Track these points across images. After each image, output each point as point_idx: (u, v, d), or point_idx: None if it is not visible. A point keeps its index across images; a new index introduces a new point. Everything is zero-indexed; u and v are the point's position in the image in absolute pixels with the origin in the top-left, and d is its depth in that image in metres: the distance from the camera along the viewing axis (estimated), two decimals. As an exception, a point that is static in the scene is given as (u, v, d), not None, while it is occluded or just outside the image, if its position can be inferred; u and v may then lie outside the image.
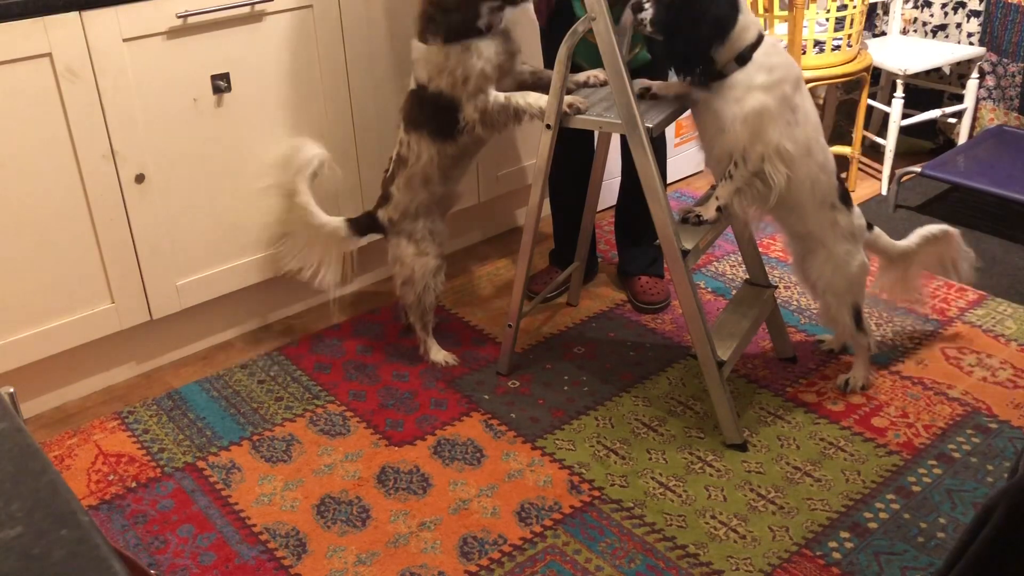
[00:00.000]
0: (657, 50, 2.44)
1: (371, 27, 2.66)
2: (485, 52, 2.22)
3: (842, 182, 2.26)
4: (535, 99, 2.25)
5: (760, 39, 2.05)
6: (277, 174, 2.45)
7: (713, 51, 2.03)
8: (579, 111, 2.19)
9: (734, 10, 2.01)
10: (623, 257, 2.96)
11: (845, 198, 2.24)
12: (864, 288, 2.35)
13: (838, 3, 3.26)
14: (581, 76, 2.33)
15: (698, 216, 2.22)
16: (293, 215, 2.49)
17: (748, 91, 2.03)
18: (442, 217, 2.54)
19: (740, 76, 2.04)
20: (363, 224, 2.51)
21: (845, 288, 2.29)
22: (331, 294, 2.62)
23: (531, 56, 2.63)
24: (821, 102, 3.94)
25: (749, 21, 2.04)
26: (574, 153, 2.76)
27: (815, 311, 2.70)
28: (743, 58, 2.04)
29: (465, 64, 2.22)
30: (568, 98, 2.19)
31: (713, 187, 2.23)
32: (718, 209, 2.18)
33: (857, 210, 2.29)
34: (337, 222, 2.50)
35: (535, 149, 2.34)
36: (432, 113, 2.31)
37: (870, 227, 2.35)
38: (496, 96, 2.26)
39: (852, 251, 2.26)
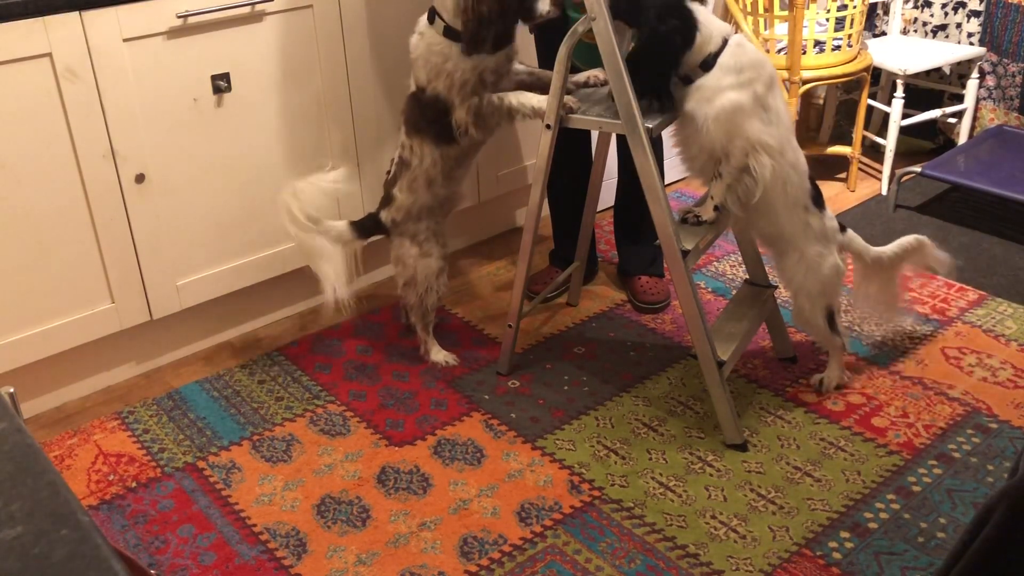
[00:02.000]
0: None
1: (371, 27, 2.66)
2: (485, 58, 2.22)
3: (814, 183, 2.25)
4: (527, 99, 2.25)
5: (724, 43, 2.08)
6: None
7: (671, 81, 2.10)
8: (571, 111, 2.19)
9: (688, 38, 2.05)
10: (623, 257, 2.96)
11: (817, 200, 2.24)
12: (838, 290, 2.34)
13: (838, 3, 3.26)
14: (581, 76, 2.33)
15: (697, 216, 2.22)
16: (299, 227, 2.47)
17: (717, 91, 2.06)
18: (444, 217, 2.54)
19: (707, 79, 2.07)
20: (367, 226, 2.51)
21: (818, 290, 2.28)
22: (335, 295, 2.58)
23: (525, 56, 2.63)
24: (821, 102, 3.94)
25: (710, 32, 2.07)
26: (573, 153, 2.76)
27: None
28: (707, 64, 2.07)
29: (463, 67, 2.22)
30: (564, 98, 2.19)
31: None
32: (716, 208, 2.19)
33: (829, 212, 2.28)
34: (341, 226, 2.50)
35: (535, 149, 2.34)
36: (432, 117, 2.30)
37: (843, 229, 2.34)
38: (489, 97, 2.26)
39: (824, 253, 2.25)
